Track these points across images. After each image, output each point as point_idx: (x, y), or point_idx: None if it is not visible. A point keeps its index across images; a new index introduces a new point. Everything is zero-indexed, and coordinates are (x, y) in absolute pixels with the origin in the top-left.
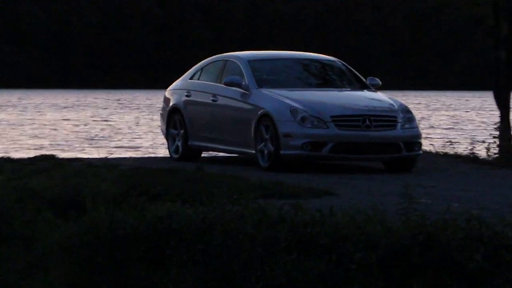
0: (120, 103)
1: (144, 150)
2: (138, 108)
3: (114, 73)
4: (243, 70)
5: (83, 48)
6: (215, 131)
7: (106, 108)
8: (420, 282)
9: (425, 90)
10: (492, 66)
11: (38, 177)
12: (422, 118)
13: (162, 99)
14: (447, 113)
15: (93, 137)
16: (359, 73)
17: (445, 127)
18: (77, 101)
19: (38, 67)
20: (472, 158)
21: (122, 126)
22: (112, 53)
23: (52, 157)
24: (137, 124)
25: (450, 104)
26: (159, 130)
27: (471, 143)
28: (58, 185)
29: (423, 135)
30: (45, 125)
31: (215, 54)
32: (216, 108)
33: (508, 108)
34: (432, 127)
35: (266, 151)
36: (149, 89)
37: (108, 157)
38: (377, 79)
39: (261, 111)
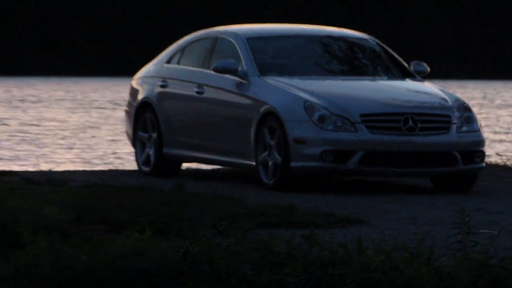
0: (68, 94)
1: (102, 160)
2: (95, 102)
3: (62, 54)
4: (239, 51)
5: (18, 21)
6: (201, 135)
7: (40, 101)
8: None
9: (493, 80)
10: None
11: None
12: (486, 118)
13: (127, 91)
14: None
15: (33, 140)
16: (400, 56)
17: None
18: (8, 90)
19: None
20: None
21: (72, 126)
22: (58, 27)
23: None
24: (95, 124)
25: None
26: (123, 134)
27: None
28: None
29: (488, 142)
30: None
31: (201, 29)
32: (202, 103)
33: None
34: (499, 131)
35: (271, 163)
36: (110, 77)
37: (53, 169)
38: (424, 64)
39: (265, 107)
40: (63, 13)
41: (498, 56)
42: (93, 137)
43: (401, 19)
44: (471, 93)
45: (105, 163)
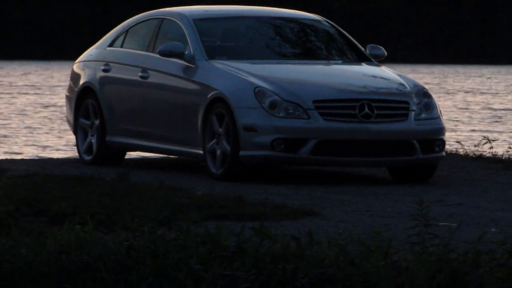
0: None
1: (42, 148)
2: (31, 87)
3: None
4: (186, 33)
5: None
6: (145, 122)
7: None
8: None
9: (453, 64)
10: None
11: None
12: (445, 104)
13: (68, 75)
14: (483, 97)
15: None
16: (355, 38)
17: (479, 117)
18: None
19: None
20: None
21: (8, 113)
22: None
23: None
24: (31, 111)
25: (489, 85)
26: (64, 121)
27: None
28: None
29: (448, 130)
30: None
31: (147, 11)
32: (146, 88)
33: None
34: (459, 118)
35: (219, 152)
36: (48, 60)
37: None
38: (380, 47)
39: (213, 93)
40: None
41: (459, 39)
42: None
43: (357, 0)
44: (431, 77)
45: (45, 151)
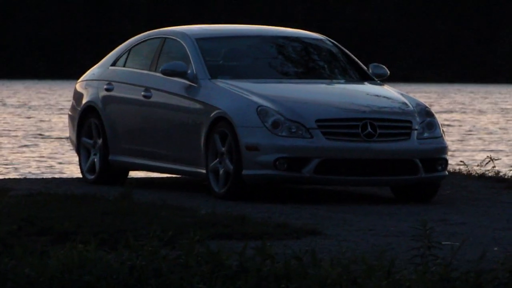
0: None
1: (45, 167)
2: (37, 107)
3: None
4: (189, 52)
5: None
6: (148, 142)
7: None
8: None
9: (456, 83)
10: None
11: None
12: (449, 124)
13: (71, 95)
14: (486, 117)
15: None
16: (358, 58)
17: (483, 136)
18: None
19: None
20: None
21: (13, 132)
22: None
23: None
24: (37, 132)
25: (493, 103)
26: (67, 140)
27: None
28: None
29: (451, 148)
30: None
31: (149, 29)
32: (149, 107)
33: None
34: (461, 138)
35: (222, 171)
36: (51, 79)
37: None
38: (383, 66)
39: (215, 112)
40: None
41: (464, 58)
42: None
43: (360, 19)
44: (435, 97)
45: (49, 170)
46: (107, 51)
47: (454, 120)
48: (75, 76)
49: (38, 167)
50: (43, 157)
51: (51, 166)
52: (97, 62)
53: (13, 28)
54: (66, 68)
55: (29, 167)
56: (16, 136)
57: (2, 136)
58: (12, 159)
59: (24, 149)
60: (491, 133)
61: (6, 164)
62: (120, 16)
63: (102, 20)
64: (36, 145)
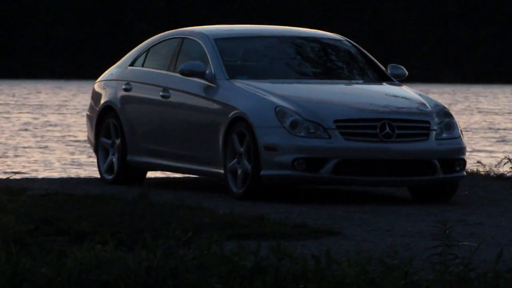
0: (22, 98)
1: (62, 167)
2: (55, 106)
3: (16, 56)
4: (207, 52)
5: None
6: (166, 142)
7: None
8: None
9: (474, 84)
10: None
11: None
12: (467, 125)
13: (89, 95)
14: (504, 117)
15: None
16: (376, 58)
17: (500, 137)
18: None
19: None
20: None
21: (32, 132)
22: (11, 28)
23: None
24: (53, 129)
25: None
26: (85, 140)
27: None
28: None
29: (469, 149)
30: None
31: (167, 30)
32: (168, 107)
33: None
34: (481, 137)
35: (240, 171)
36: (70, 80)
37: (11, 177)
38: (401, 67)
39: (234, 112)
40: (15, 10)
41: (481, 59)
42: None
43: (378, 19)
44: (453, 97)
45: (66, 170)
46: (124, 51)
47: (474, 122)
48: (91, 76)
49: (55, 168)
50: (62, 157)
51: (69, 167)
52: (113, 63)
53: (30, 29)
54: (82, 69)
55: (48, 167)
56: (31, 135)
57: (22, 136)
58: (32, 159)
59: (43, 149)
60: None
61: (25, 165)
62: (137, 17)
63: (118, 20)
64: (53, 145)
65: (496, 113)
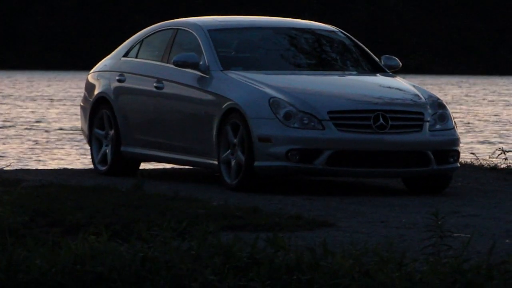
0: (14, 89)
1: (57, 159)
2: (46, 97)
3: (12, 48)
4: (201, 43)
5: None
6: (160, 133)
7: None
8: None
9: (470, 75)
10: None
11: None
12: (461, 115)
13: (83, 86)
14: (500, 108)
15: None
16: (370, 50)
17: (494, 128)
18: None
19: None
20: None
21: (22, 124)
22: (7, 21)
23: None
24: (47, 121)
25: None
26: (79, 131)
27: None
28: None
29: (462, 140)
30: None
31: (160, 21)
32: (161, 99)
33: None
34: (474, 129)
35: (233, 162)
36: (63, 70)
37: (5, 168)
38: (395, 58)
39: (227, 103)
40: (14, 2)
41: (477, 49)
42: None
43: (372, 10)
44: (449, 88)
45: (60, 162)
46: (119, 42)
47: (458, 112)
48: (86, 67)
49: (47, 160)
50: (50, 148)
51: (61, 158)
52: (108, 54)
53: (27, 20)
54: (78, 60)
55: (39, 158)
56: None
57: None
58: (22, 149)
59: (31, 141)
60: (506, 125)
61: (18, 156)
62: (132, 7)
63: (114, 11)
64: (42, 135)
65: None
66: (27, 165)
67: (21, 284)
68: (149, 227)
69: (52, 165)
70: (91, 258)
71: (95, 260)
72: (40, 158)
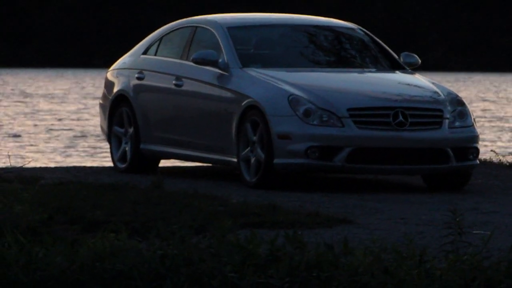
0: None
1: (76, 156)
2: (67, 96)
3: (30, 45)
4: (220, 41)
5: None
6: (179, 130)
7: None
8: None
9: (489, 72)
10: None
11: None
12: (482, 112)
13: (102, 83)
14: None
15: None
16: (389, 47)
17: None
18: None
19: None
20: None
21: (43, 121)
22: (24, 18)
23: None
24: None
25: None
26: (98, 128)
27: None
28: None
29: (482, 137)
30: None
31: (180, 19)
32: (181, 96)
33: None
34: (494, 125)
35: (253, 160)
36: (82, 68)
37: (24, 166)
38: (414, 55)
39: (247, 101)
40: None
41: (494, 46)
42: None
43: (391, 7)
44: (467, 85)
45: (79, 159)
46: (137, 40)
47: (484, 110)
48: (104, 65)
49: (67, 157)
50: (69, 147)
51: (81, 155)
52: (126, 52)
53: (44, 18)
54: (95, 58)
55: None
56: (37, 125)
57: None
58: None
59: (51, 138)
60: None
61: (37, 152)
62: (150, 5)
63: (131, 9)
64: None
65: None
66: (45, 163)
67: (40, 282)
68: (169, 225)
69: (73, 162)
70: (110, 256)
71: (114, 258)
72: (58, 158)
